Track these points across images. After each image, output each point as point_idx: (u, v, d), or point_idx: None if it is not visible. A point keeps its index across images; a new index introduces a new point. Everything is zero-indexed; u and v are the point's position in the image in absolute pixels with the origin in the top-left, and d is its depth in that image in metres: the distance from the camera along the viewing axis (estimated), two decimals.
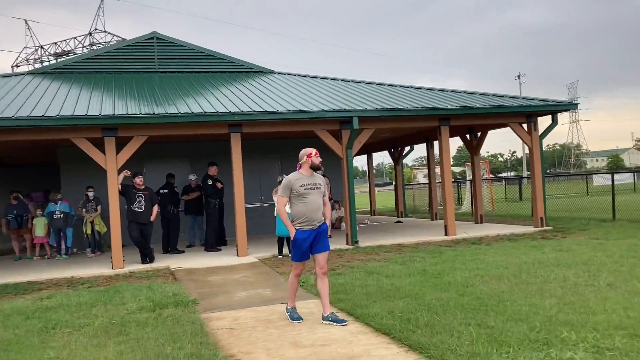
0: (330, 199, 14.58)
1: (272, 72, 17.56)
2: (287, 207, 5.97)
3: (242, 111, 11.29)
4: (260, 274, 9.35)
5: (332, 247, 11.81)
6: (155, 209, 11.49)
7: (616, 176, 26.25)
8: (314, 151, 5.98)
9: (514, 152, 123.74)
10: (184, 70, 16.70)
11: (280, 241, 11.39)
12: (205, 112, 11.14)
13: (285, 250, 11.34)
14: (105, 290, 8.44)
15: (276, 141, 16.25)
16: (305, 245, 5.85)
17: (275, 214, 11.48)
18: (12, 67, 52.51)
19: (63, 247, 13.20)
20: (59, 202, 13.18)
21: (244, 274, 9.51)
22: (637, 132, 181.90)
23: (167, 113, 10.93)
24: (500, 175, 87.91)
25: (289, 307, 6.12)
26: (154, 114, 10.85)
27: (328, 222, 6.17)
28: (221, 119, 11.16)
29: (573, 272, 7.59)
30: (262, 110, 11.45)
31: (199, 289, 8.31)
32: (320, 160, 6.04)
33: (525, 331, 4.93)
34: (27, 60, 52.34)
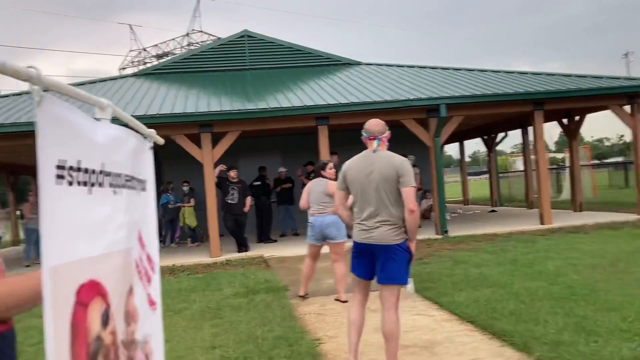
0: (419, 189, 14.53)
1: (359, 63, 17.67)
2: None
3: (328, 104, 11.51)
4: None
5: (420, 237, 11.80)
6: (249, 200, 12.00)
7: None
8: None
9: (622, 135, 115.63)
10: (273, 66, 17.20)
11: None
12: (293, 106, 11.47)
13: None
14: (204, 277, 8.98)
15: None
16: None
17: None
18: (119, 70, 56.20)
19: (175, 236, 14.30)
20: (172, 192, 14.21)
21: None
22: None
23: (257, 108, 11.37)
24: (606, 160, 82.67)
25: None
26: (245, 109, 11.33)
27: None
28: (309, 112, 11.45)
29: None
30: (347, 101, 11.61)
31: (290, 276, 8.63)
32: None
33: (616, 321, 4.76)
34: (132, 62, 55.80)
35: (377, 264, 3.98)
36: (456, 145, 23.29)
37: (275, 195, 14.18)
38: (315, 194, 6.75)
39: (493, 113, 13.61)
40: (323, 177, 6.76)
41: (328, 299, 6.77)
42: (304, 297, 6.87)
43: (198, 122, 11.31)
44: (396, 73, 15.57)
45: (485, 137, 20.33)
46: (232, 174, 11.89)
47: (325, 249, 6.93)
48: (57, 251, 1.05)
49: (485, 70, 15.22)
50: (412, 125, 12.03)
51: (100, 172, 1.27)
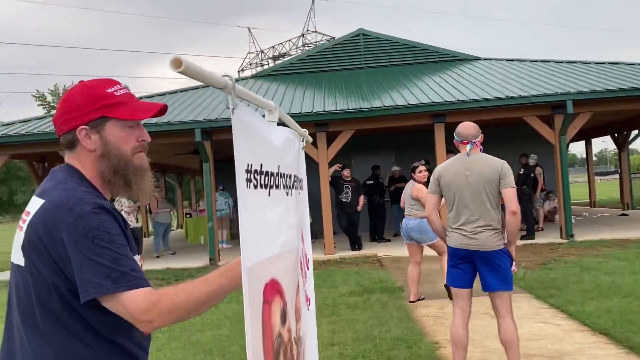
0: (542, 189, 13.78)
1: (478, 58, 17.09)
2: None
3: (445, 101, 11.24)
4: None
5: (544, 240, 11.22)
6: (362, 199, 12.03)
7: None
8: None
9: None
10: (388, 64, 17.09)
11: None
12: (409, 103, 11.33)
13: None
14: (319, 274, 9.12)
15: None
16: None
17: None
18: (238, 72, 58.66)
19: None
20: None
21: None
22: None
23: (372, 107, 11.36)
24: None
25: None
26: (360, 109, 11.37)
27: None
28: (425, 110, 11.26)
29: None
30: (466, 98, 11.27)
31: (405, 276, 8.48)
32: None
33: None
34: (250, 64, 58.01)
35: (479, 271, 3.86)
36: (580, 143, 21.85)
37: (389, 195, 14.10)
38: (405, 195, 6.83)
39: (626, 109, 12.59)
40: (414, 179, 6.77)
41: (446, 302, 6.61)
42: (415, 302, 6.74)
43: (314, 121, 11.50)
44: (517, 68, 14.88)
45: (616, 134, 18.86)
46: (346, 173, 11.97)
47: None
48: (250, 252, 1.08)
49: (618, 63, 14.13)
50: (535, 123, 11.43)
51: (277, 174, 1.31)
